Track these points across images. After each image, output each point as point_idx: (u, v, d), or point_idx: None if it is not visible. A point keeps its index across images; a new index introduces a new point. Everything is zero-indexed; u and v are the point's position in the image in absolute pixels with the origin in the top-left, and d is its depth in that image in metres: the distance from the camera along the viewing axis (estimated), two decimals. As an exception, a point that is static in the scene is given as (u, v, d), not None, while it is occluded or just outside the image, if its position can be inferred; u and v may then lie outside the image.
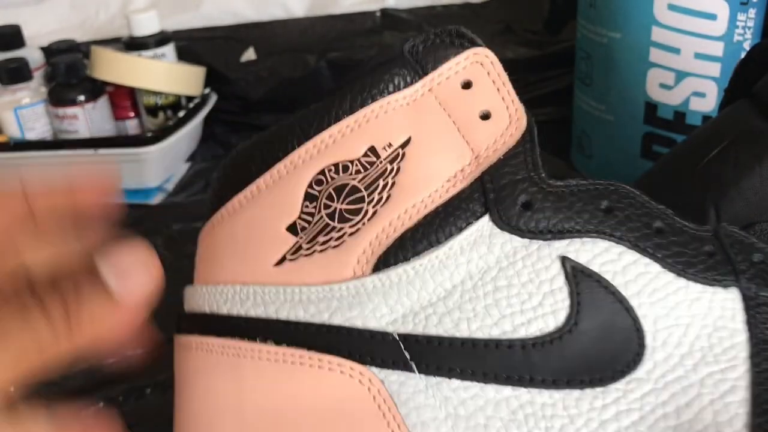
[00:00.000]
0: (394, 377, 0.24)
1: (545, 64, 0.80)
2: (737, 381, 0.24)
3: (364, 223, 0.25)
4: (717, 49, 0.51)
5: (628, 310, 0.25)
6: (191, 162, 0.77)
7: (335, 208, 0.25)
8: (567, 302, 0.24)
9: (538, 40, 0.82)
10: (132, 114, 0.77)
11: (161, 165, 0.72)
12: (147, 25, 0.75)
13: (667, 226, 0.26)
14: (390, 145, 0.25)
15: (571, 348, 0.24)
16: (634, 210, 0.26)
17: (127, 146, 0.70)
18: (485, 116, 0.26)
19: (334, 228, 0.25)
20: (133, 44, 0.75)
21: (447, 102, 0.26)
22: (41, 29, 0.86)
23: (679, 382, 0.24)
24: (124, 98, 0.76)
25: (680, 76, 0.53)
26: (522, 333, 0.24)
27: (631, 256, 0.25)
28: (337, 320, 0.25)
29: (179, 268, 0.60)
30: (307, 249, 0.25)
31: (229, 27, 0.86)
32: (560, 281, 0.25)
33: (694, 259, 0.25)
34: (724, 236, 0.26)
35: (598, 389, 0.24)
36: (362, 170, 0.25)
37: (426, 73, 0.26)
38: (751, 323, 0.25)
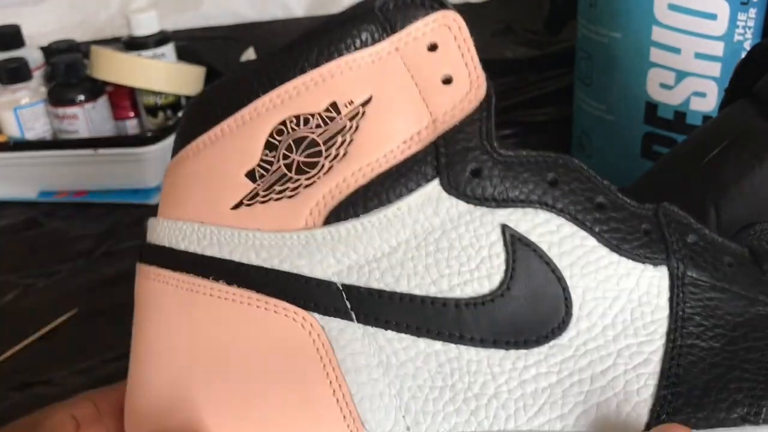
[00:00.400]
0: (334, 324, 0.26)
1: (545, 64, 0.79)
2: (652, 354, 0.26)
3: (319, 177, 0.26)
4: (717, 49, 0.51)
5: (560, 279, 0.26)
6: (191, 162, 0.77)
7: (293, 159, 0.26)
8: (503, 268, 0.26)
9: (538, 40, 0.81)
10: (132, 114, 0.76)
11: (161, 165, 0.71)
12: (147, 24, 0.73)
13: (609, 202, 0.27)
14: (351, 102, 0.26)
15: (501, 311, 0.26)
16: (579, 184, 0.27)
17: (127, 146, 0.70)
18: (447, 80, 0.26)
19: (290, 179, 0.26)
20: (133, 44, 0.74)
21: (412, 63, 0.26)
22: (41, 29, 0.86)
23: (598, 351, 0.26)
24: (124, 98, 0.75)
25: (680, 76, 0.53)
26: (457, 293, 0.26)
27: (570, 228, 0.26)
28: (286, 267, 0.26)
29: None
30: (264, 196, 0.26)
31: (229, 27, 0.85)
32: (498, 247, 0.26)
33: (630, 236, 0.27)
34: (663, 215, 0.27)
35: (522, 351, 0.26)
36: (322, 125, 0.26)
37: (394, 32, 0.26)
38: (674, 301, 0.26)
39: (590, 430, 0.26)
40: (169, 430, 0.27)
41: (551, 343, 0.26)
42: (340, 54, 0.26)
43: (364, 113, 0.26)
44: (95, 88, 0.74)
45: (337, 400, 0.26)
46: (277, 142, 0.26)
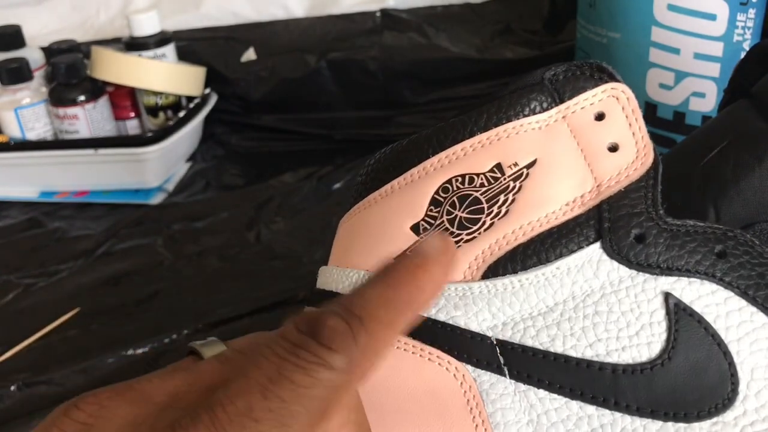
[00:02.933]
0: (486, 377, 0.26)
1: (545, 64, 0.80)
2: None
3: (480, 233, 0.27)
4: (717, 49, 0.51)
5: (725, 354, 0.25)
6: (191, 162, 0.77)
7: (456, 215, 0.27)
8: (664, 336, 0.25)
9: (538, 40, 0.81)
10: (132, 114, 0.77)
11: (161, 165, 0.71)
12: (147, 25, 0.74)
13: None
14: (516, 164, 0.27)
15: (660, 380, 0.25)
16: (750, 258, 0.26)
17: (127, 146, 0.70)
18: (613, 148, 0.27)
19: (452, 233, 0.27)
20: (134, 44, 0.74)
21: (578, 131, 0.27)
22: (41, 29, 0.86)
23: None
24: (125, 98, 0.76)
25: (680, 76, 0.53)
26: (614, 358, 0.25)
27: (738, 302, 0.25)
28: (442, 317, 0.26)
29: (179, 268, 0.60)
30: None
31: (229, 27, 0.85)
32: (660, 315, 0.25)
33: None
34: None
35: (681, 425, 0.25)
36: (486, 184, 0.27)
37: (562, 101, 0.27)
38: None
39: None
40: None
41: (714, 419, 0.25)
42: (509, 120, 0.27)
43: (528, 174, 0.27)
44: (96, 89, 0.73)
45: None
46: (442, 199, 0.27)
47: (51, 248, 0.65)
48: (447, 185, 0.27)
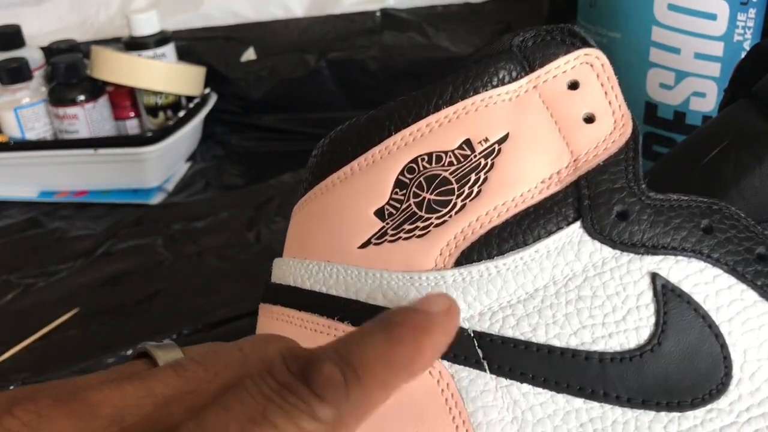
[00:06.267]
0: (464, 373, 0.24)
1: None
2: None
3: (451, 216, 0.24)
4: (717, 49, 0.50)
5: (717, 336, 0.23)
6: (191, 162, 0.76)
7: (424, 198, 0.25)
8: (652, 320, 0.23)
9: (538, 40, 0.81)
10: (132, 114, 0.75)
11: (161, 165, 0.70)
12: (147, 25, 0.72)
13: None
14: (486, 139, 0.25)
15: (650, 367, 0.23)
16: (737, 233, 0.24)
17: (127, 146, 0.68)
18: (589, 119, 0.25)
19: (420, 217, 0.25)
20: (133, 44, 0.73)
21: (551, 101, 0.25)
22: (41, 29, 0.86)
23: (765, 419, 0.23)
24: (124, 98, 0.74)
25: (680, 76, 0.52)
26: (601, 346, 0.23)
27: (727, 280, 0.23)
28: None
29: (179, 268, 0.60)
30: (392, 235, 0.25)
31: (229, 27, 0.84)
32: (647, 298, 0.23)
33: (798, 291, 0.23)
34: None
35: (675, 414, 0.23)
36: (455, 162, 0.25)
37: (533, 70, 0.25)
38: None
39: None
40: None
41: (708, 406, 0.23)
42: (476, 91, 0.25)
43: (499, 151, 0.24)
44: (95, 88, 0.71)
45: None
46: (407, 181, 0.25)
47: (50, 248, 0.64)
48: (412, 165, 0.25)
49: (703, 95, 0.53)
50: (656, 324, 0.23)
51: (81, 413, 0.18)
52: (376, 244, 0.25)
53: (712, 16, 0.50)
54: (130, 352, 0.49)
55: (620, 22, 0.54)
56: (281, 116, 0.81)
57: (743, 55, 0.35)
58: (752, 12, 0.50)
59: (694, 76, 0.52)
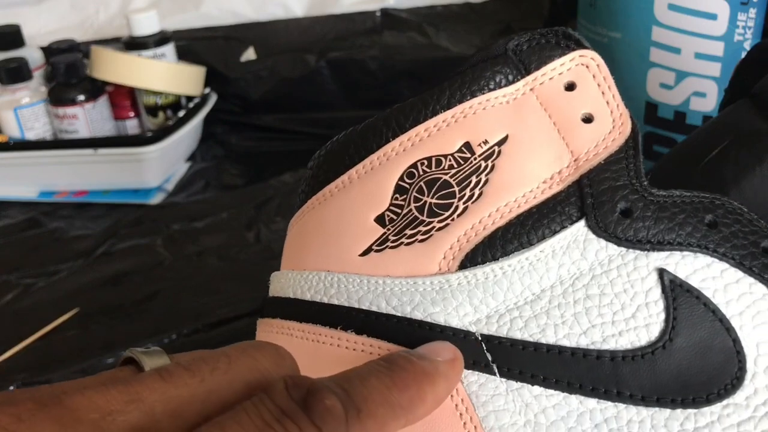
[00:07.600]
0: (474, 378, 0.23)
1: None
2: None
3: (453, 219, 0.24)
4: (717, 49, 0.50)
5: (729, 330, 0.23)
6: (191, 162, 0.75)
7: (425, 202, 0.24)
8: (662, 316, 0.23)
9: (538, 40, 0.81)
10: (132, 114, 0.75)
11: (161, 165, 0.70)
12: (147, 25, 0.72)
13: None
14: (486, 142, 0.24)
15: (663, 364, 0.22)
16: (741, 227, 0.24)
17: (127, 146, 0.68)
18: (587, 119, 0.25)
19: (422, 222, 0.24)
20: (133, 44, 0.72)
21: (548, 102, 0.25)
22: (41, 29, 0.86)
23: None
24: (124, 98, 0.74)
25: (680, 76, 0.52)
26: (612, 344, 0.23)
27: (735, 274, 0.23)
28: (419, 315, 0.24)
29: (179, 268, 0.60)
30: (394, 241, 0.24)
31: (229, 27, 0.84)
32: (656, 294, 0.23)
33: (806, 284, 0.22)
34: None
35: (691, 411, 0.22)
36: (455, 165, 0.24)
37: (529, 72, 0.25)
38: None
39: None
40: None
41: (725, 402, 0.22)
42: (473, 95, 0.25)
43: (500, 152, 0.24)
44: (95, 88, 0.71)
45: None
46: (407, 186, 0.25)
47: (50, 248, 0.64)
48: (412, 170, 0.25)
49: (703, 95, 0.53)
50: (666, 320, 0.23)
51: (63, 418, 0.17)
52: (377, 251, 0.25)
53: (713, 16, 0.50)
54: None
55: (620, 22, 0.54)
56: (281, 116, 0.81)
57: (743, 55, 0.35)
58: (752, 12, 0.50)
59: (694, 76, 0.52)
